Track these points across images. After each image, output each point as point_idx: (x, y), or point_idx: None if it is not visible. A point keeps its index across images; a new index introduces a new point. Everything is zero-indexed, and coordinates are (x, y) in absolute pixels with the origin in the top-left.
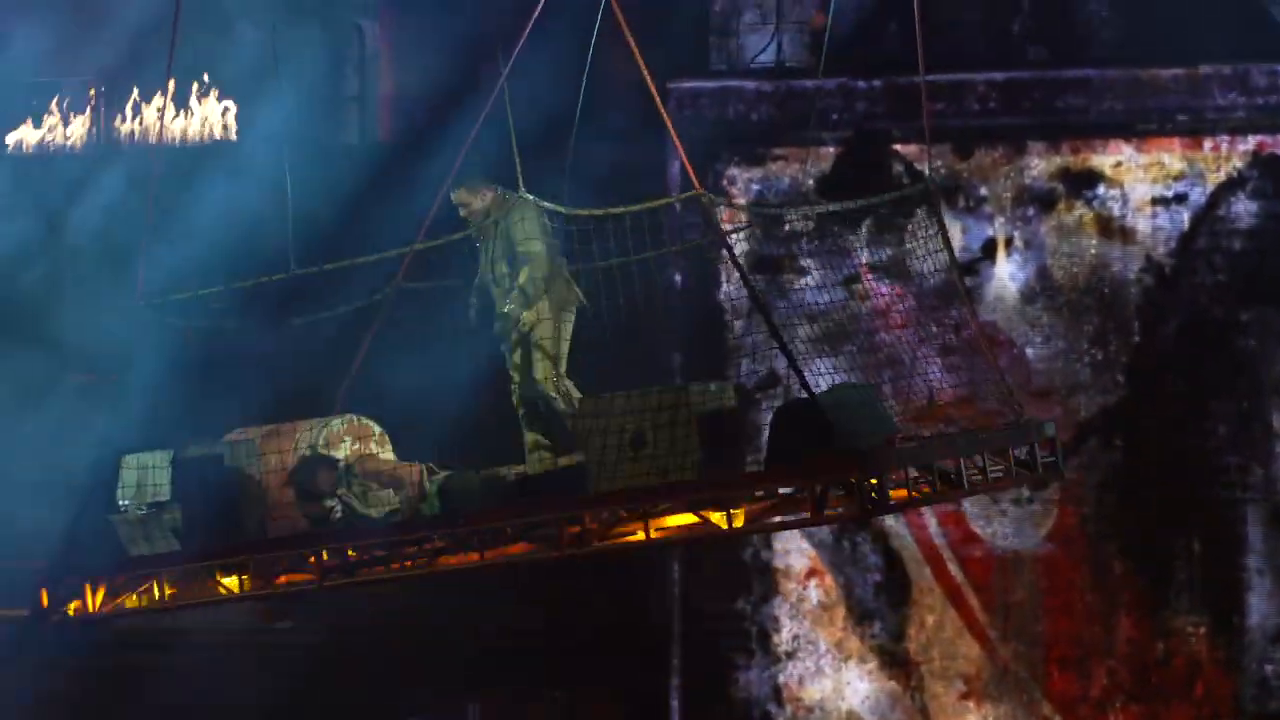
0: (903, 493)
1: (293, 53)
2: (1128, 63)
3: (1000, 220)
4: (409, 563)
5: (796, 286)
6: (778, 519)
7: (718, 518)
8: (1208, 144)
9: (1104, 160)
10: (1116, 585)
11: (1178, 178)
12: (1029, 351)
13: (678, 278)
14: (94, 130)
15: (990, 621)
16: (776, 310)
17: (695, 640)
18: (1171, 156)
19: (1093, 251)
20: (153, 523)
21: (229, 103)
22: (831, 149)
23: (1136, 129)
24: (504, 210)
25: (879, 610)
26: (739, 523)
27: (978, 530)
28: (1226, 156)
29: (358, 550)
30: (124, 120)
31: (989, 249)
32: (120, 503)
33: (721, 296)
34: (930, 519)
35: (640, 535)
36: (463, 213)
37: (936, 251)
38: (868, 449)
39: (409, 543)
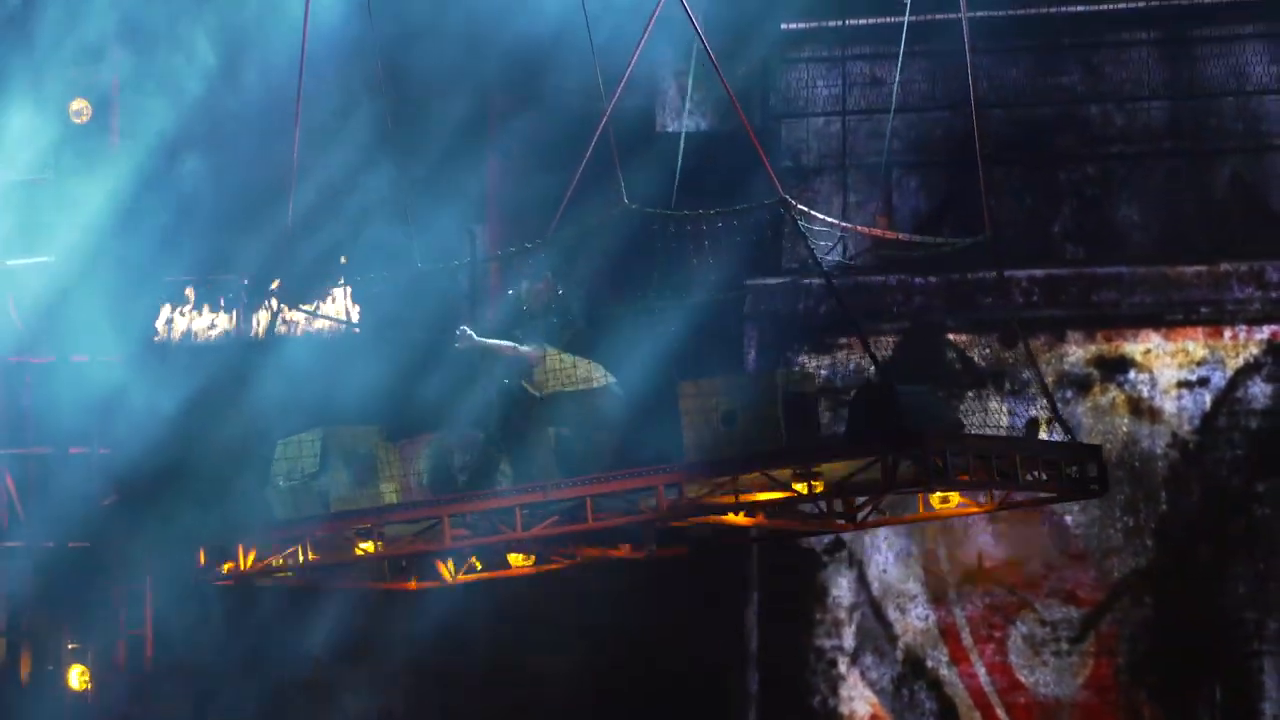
0: (964, 475)
1: (411, 254)
2: (1156, 261)
3: (1042, 402)
4: (516, 531)
5: None
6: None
7: (800, 487)
8: (1227, 333)
9: (1135, 348)
10: None
11: (1200, 363)
12: (1068, 519)
13: None
14: (235, 321)
15: None
16: None
17: None
18: (1195, 344)
19: (1124, 429)
20: (302, 492)
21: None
22: (891, 338)
23: (1164, 320)
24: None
25: None
26: (820, 488)
27: (1022, 679)
28: (1244, 344)
29: (482, 519)
30: (261, 312)
31: (1032, 427)
32: (276, 479)
33: None
34: (980, 668)
35: (730, 499)
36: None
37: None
38: (936, 428)
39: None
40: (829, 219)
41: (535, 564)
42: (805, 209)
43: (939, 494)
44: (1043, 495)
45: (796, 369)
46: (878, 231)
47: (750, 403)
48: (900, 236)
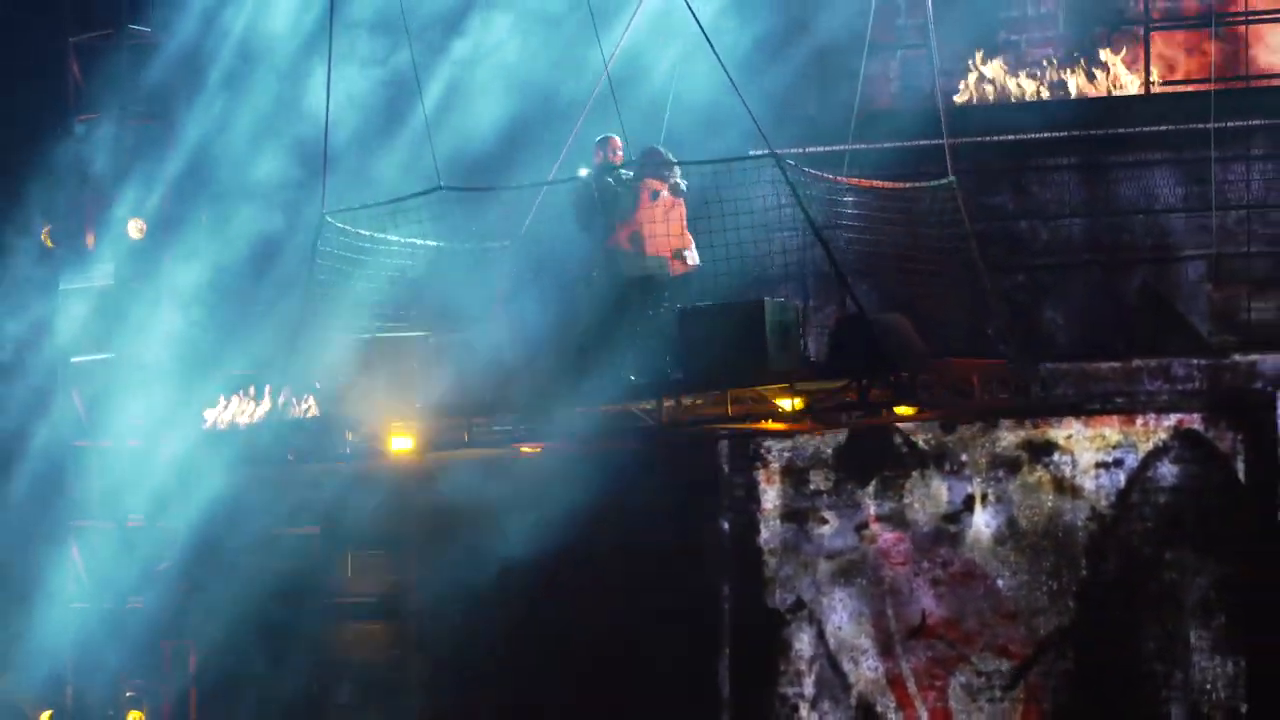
0: (925, 395)
1: None
2: (1076, 358)
3: (977, 480)
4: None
5: (818, 532)
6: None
7: (783, 403)
8: (1139, 421)
9: (1058, 433)
10: None
11: (1116, 447)
12: (999, 582)
13: (726, 526)
14: (274, 410)
15: None
16: (802, 551)
17: None
18: (1111, 430)
19: (1050, 504)
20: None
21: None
22: (848, 426)
23: (1084, 409)
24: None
25: None
26: (801, 405)
27: None
28: (1154, 431)
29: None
30: (297, 405)
31: (969, 503)
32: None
33: (760, 540)
34: (923, 713)
35: (728, 410)
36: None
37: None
38: (904, 354)
39: None
40: (817, 173)
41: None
42: (793, 164)
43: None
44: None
45: (780, 300)
46: (856, 180)
47: (742, 330)
48: (878, 184)
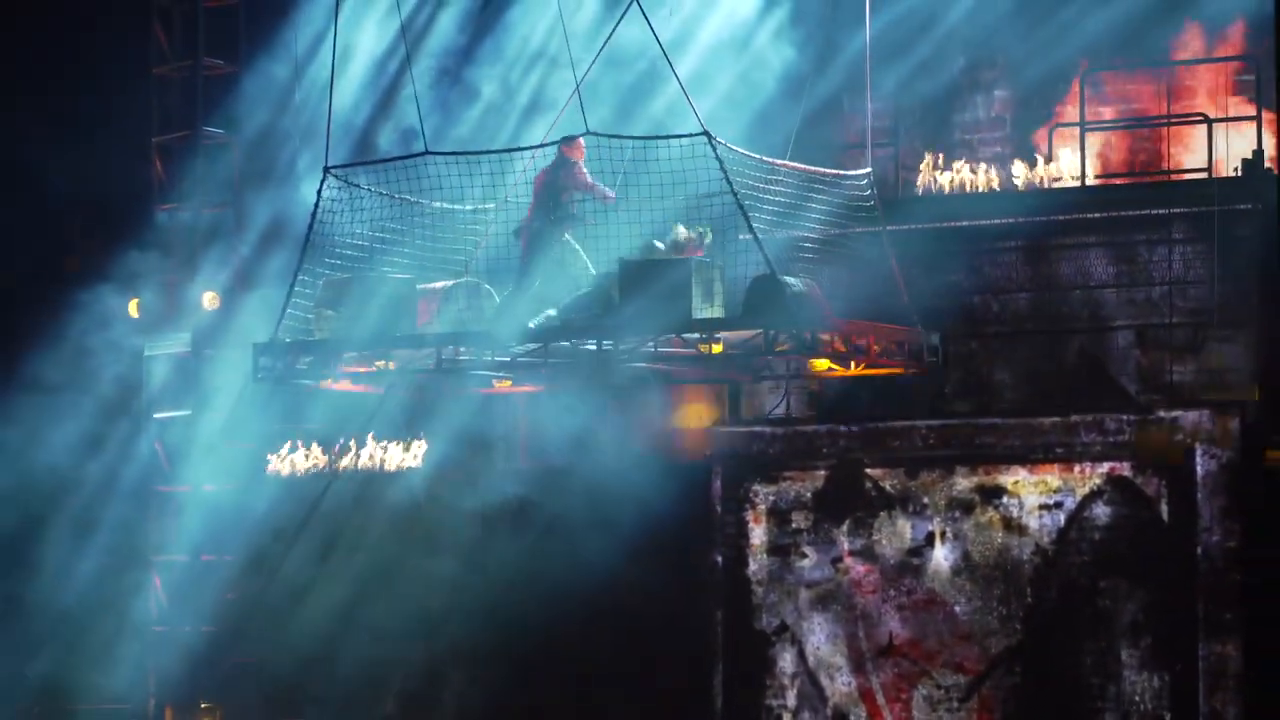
0: (826, 348)
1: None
2: (1022, 414)
3: (937, 520)
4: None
5: (798, 565)
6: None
7: (704, 348)
8: (1077, 468)
9: (1007, 479)
10: None
11: (1057, 491)
12: (956, 608)
13: (719, 559)
14: (327, 462)
15: None
16: (785, 581)
17: None
18: (1052, 477)
19: (999, 541)
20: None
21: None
22: (823, 472)
23: (1029, 458)
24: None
25: None
26: (718, 350)
27: None
28: (1090, 477)
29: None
30: (342, 456)
31: (930, 539)
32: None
33: (749, 571)
34: (888, 716)
35: (650, 351)
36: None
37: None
38: (808, 312)
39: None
40: (745, 152)
41: (513, 384)
42: (723, 141)
43: (819, 361)
44: (893, 365)
45: (705, 260)
46: (783, 163)
47: (671, 284)
48: (799, 167)
